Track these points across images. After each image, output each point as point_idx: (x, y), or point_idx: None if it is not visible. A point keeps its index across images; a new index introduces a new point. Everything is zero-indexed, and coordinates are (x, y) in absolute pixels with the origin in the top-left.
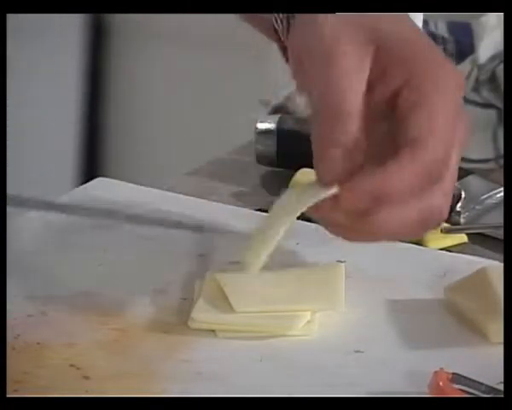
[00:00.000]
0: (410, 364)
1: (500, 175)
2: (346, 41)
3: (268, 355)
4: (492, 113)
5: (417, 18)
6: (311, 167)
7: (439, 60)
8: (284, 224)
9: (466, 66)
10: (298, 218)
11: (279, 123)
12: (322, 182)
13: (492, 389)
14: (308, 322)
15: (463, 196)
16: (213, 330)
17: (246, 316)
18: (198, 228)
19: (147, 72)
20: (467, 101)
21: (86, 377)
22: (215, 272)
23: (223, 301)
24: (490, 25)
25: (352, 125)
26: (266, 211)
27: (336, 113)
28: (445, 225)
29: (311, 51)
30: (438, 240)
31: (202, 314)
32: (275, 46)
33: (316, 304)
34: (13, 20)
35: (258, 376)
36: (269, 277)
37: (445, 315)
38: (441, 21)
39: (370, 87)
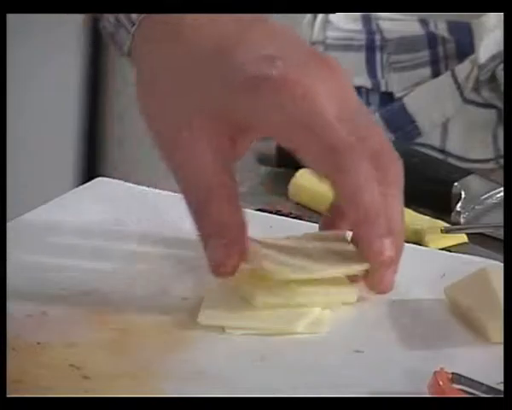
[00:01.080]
0: (410, 364)
1: (500, 175)
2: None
3: (268, 355)
4: (492, 113)
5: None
6: None
7: None
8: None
9: (466, 66)
10: (298, 218)
11: None
12: None
13: (492, 389)
14: (317, 320)
15: (463, 196)
16: (219, 328)
17: (256, 313)
18: None
19: None
20: (467, 101)
21: (86, 377)
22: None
23: (232, 298)
24: (490, 25)
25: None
26: (266, 211)
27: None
28: (445, 225)
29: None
30: (438, 240)
31: (211, 314)
32: None
33: (330, 297)
34: (13, 20)
35: (258, 376)
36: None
37: (445, 315)
38: (441, 21)
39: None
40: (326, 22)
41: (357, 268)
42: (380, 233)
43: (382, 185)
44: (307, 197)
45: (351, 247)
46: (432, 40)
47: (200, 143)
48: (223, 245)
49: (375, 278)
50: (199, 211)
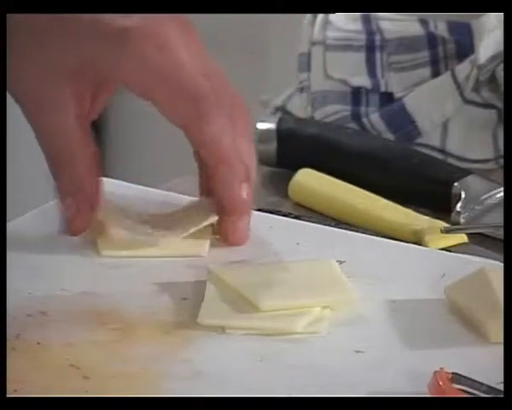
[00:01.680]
0: (410, 364)
1: (500, 175)
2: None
3: (268, 355)
4: (492, 113)
5: None
6: (312, 167)
7: None
8: None
9: (466, 66)
10: (298, 218)
11: (279, 123)
12: None
13: (492, 389)
14: (317, 320)
15: (463, 196)
16: (219, 328)
17: (257, 315)
18: None
19: None
20: (467, 101)
21: (86, 377)
22: (218, 271)
23: (232, 298)
24: (490, 25)
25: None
26: (266, 211)
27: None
28: (445, 225)
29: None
30: (438, 240)
31: (211, 314)
32: (275, 47)
33: (331, 298)
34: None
35: (258, 376)
36: (276, 273)
37: (445, 315)
38: (441, 21)
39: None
40: (326, 22)
41: (203, 223)
42: (239, 177)
43: (234, 136)
44: (307, 197)
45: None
46: (432, 40)
47: (62, 101)
48: (76, 203)
49: (229, 227)
50: (61, 170)
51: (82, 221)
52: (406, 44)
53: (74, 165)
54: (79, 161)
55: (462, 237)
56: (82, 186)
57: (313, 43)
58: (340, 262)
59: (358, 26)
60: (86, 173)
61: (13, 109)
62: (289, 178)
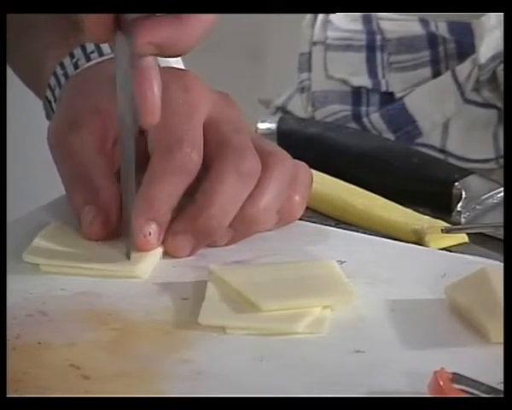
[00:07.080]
0: (410, 364)
1: (500, 175)
2: None
3: (268, 355)
4: (492, 113)
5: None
6: (312, 167)
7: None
8: None
9: (466, 66)
10: (298, 218)
11: (279, 123)
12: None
13: (492, 389)
14: (317, 320)
15: (463, 196)
16: (219, 328)
17: (258, 315)
18: None
19: None
20: (467, 101)
21: (86, 377)
22: (219, 271)
23: (232, 298)
24: (490, 25)
25: None
26: None
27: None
28: (446, 224)
29: None
30: (438, 240)
31: (212, 314)
32: (275, 47)
33: (331, 298)
34: (13, 19)
35: (258, 376)
36: (276, 273)
37: (445, 315)
38: (441, 21)
39: None
40: (326, 22)
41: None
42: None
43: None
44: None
45: None
46: (432, 40)
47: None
48: (93, 211)
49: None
50: (79, 183)
51: (100, 229)
52: (407, 44)
53: (91, 179)
54: (95, 175)
55: (462, 237)
56: (96, 196)
57: (314, 43)
58: (341, 262)
59: (359, 25)
60: (104, 184)
61: (13, 108)
62: None
